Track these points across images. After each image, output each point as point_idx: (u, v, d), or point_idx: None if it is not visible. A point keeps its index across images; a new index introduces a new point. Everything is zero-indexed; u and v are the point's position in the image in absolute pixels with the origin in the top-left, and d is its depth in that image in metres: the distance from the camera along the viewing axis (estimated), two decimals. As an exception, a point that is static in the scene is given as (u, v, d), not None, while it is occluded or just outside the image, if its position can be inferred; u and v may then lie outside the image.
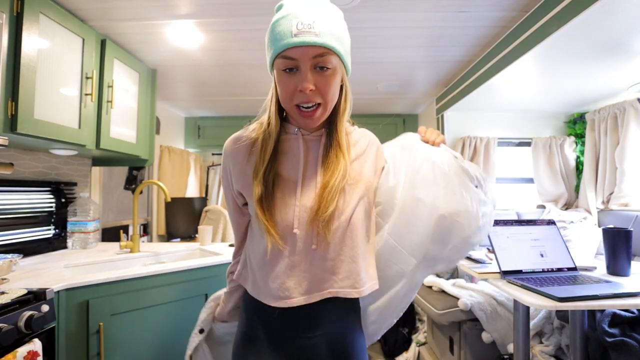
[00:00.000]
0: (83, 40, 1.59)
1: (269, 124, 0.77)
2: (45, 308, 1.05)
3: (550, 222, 1.45)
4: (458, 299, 1.88)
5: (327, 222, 0.71)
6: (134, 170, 2.86)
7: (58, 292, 1.15)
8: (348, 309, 0.79)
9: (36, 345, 0.99)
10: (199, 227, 2.02)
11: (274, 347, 0.76)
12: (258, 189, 0.72)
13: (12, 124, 1.24)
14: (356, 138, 0.83)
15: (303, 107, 0.71)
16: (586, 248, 2.15)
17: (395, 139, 0.91)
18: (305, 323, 0.75)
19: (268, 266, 0.74)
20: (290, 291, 0.72)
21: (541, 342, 1.78)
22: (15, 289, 1.05)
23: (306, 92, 0.68)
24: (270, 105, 0.77)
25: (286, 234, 0.72)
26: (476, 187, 0.81)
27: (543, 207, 2.68)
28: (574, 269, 1.33)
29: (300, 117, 0.73)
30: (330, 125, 0.78)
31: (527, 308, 1.30)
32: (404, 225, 0.78)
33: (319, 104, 0.72)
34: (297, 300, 0.72)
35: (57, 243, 1.80)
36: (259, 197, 0.72)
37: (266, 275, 0.74)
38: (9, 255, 1.33)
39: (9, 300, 0.98)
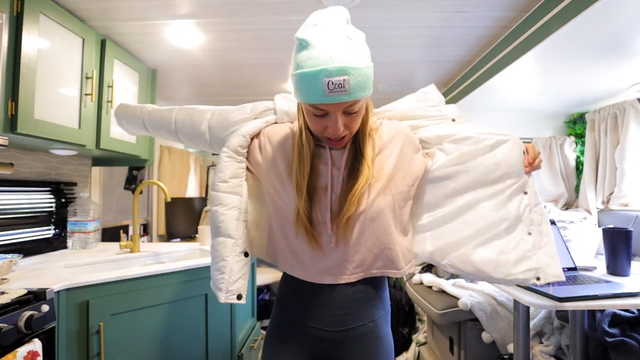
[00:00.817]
0: (83, 40, 1.59)
1: (301, 140, 0.83)
2: (45, 308, 1.05)
3: (550, 222, 1.45)
4: (458, 299, 1.88)
5: (346, 221, 0.79)
6: (134, 170, 2.86)
7: (58, 292, 1.15)
8: (371, 297, 0.87)
9: (36, 345, 0.99)
10: (199, 227, 2.02)
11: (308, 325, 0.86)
12: (302, 202, 0.80)
13: (12, 124, 1.24)
14: (381, 133, 0.87)
15: (332, 139, 0.79)
16: (586, 248, 2.15)
17: (430, 115, 0.95)
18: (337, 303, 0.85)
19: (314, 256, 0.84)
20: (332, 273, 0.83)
21: (541, 342, 1.78)
22: (15, 289, 1.05)
23: (337, 134, 0.76)
24: (301, 125, 0.83)
25: (322, 233, 0.82)
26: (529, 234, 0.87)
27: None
28: (574, 269, 1.33)
29: (330, 143, 0.81)
30: (355, 136, 0.84)
31: (527, 308, 1.30)
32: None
33: (345, 134, 0.79)
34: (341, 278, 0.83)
35: (57, 243, 1.80)
36: (304, 209, 0.80)
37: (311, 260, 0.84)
38: (9, 255, 1.33)
39: (9, 300, 0.98)
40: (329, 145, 0.82)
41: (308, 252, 0.83)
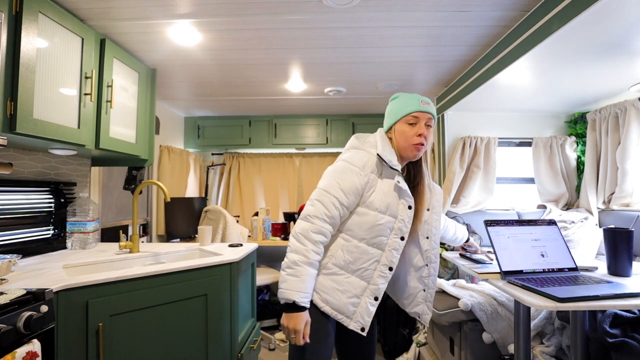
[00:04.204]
0: (82, 39, 1.59)
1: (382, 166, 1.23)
2: (44, 308, 1.04)
3: (551, 222, 1.45)
4: (458, 299, 1.87)
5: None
6: (134, 170, 2.85)
7: (57, 292, 1.15)
8: None
9: (35, 346, 0.99)
10: (199, 227, 2.02)
11: None
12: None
13: (11, 123, 1.24)
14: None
15: (417, 144, 1.21)
16: (587, 248, 2.15)
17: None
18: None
19: None
20: None
21: (542, 343, 1.78)
22: (14, 290, 1.05)
23: (422, 136, 1.20)
24: (396, 151, 1.25)
25: None
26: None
27: (544, 207, 2.67)
28: (575, 269, 1.32)
29: (415, 150, 1.21)
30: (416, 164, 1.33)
31: (528, 308, 1.30)
32: None
33: (423, 144, 1.22)
34: None
35: (56, 243, 1.79)
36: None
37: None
38: (8, 256, 1.32)
39: (8, 301, 0.98)
40: (410, 156, 1.23)
41: None
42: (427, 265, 1.27)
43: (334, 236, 1.20)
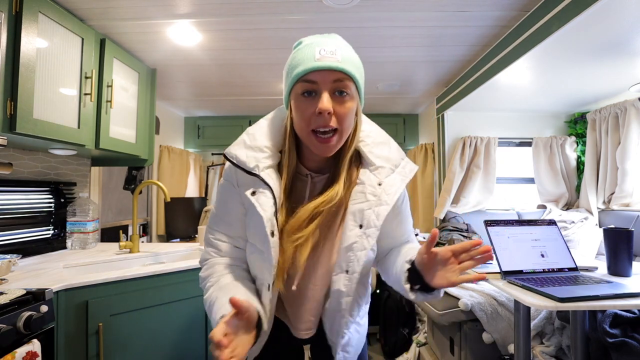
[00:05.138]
0: (82, 39, 1.59)
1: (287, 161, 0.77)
2: (44, 308, 1.04)
3: (551, 222, 1.45)
4: (458, 299, 1.87)
5: None
6: (134, 170, 2.85)
7: (57, 292, 1.15)
8: None
9: (35, 345, 0.99)
10: (199, 227, 2.02)
11: None
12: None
13: (11, 123, 1.24)
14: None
15: (320, 132, 0.70)
16: (587, 248, 2.15)
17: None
18: None
19: None
20: None
21: (542, 343, 1.78)
22: (14, 290, 1.05)
23: (324, 114, 0.68)
24: (287, 140, 0.76)
25: None
26: None
27: (544, 207, 2.67)
28: (575, 269, 1.32)
29: (318, 144, 0.71)
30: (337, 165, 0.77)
31: (528, 308, 1.29)
32: None
33: (335, 130, 0.71)
34: None
35: (56, 243, 1.79)
36: None
37: None
38: (8, 256, 1.32)
39: (8, 301, 0.98)
40: (317, 152, 0.73)
41: None
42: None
43: None
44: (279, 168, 0.77)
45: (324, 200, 0.73)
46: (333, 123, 0.70)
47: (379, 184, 0.76)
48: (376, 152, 0.79)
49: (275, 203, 0.73)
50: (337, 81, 0.69)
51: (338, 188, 0.74)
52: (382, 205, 0.74)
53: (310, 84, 0.69)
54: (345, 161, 0.76)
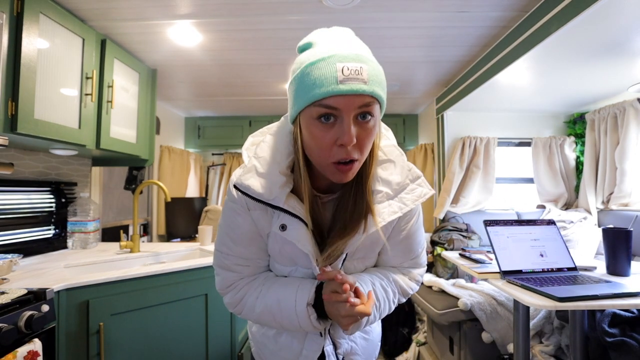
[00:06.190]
0: (83, 40, 1.59)
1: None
2: (45, 308, 1.05)
3: (550, 222, 1.45)
4: (458, 299, 1.88)
5: None
6: (134, 170, 2.86)
7: (58, 292, 1.15)
8: None
9: (36, 345, 0.99)
10: (199, 227, 2.02)
11: None
12: None
13: (12, 124, 1.24)
14: None
15: (341, 163, 0.61)
16: (586, 248, 2.16)
17: None
18: None
19: None
20: None
21: (541, 342, 1.78)
22: (15, 289, 1.05)
23: (349, 145, 0.58)
24: (300, 166, 0.67)
25: None
26: None
27: (543, 207, 2.68)
28: (574, 269, 1.33)
29: (337, 173, 0.62)
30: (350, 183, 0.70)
31: (527, 308, 1.30)
32: None
33: (352, 161, 0.61)
34: None
35: (57, 243, 1.80)
36: None
37: None
38: (9, 255, 1.33)
39: (9, 300, 0.98)
40: (333, 180, 0.65)
41: None
42: None
43: None
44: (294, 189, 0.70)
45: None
46: (355, 153, 0.60)
47: None
48: (375, 173, 0.70)
49: (312, 233, 0.68)
50: (364, 106, 0.58)
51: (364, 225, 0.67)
52: (357, 234, 0.68)
53: (331, 109, 0.57)
54: (367, 190, 0.68)
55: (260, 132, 0.76)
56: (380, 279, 0.75)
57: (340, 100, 0.56)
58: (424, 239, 0.81)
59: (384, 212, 0.68)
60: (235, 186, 0.68)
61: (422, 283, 2.32)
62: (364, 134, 0.60)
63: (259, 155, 0.68)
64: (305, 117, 0.61)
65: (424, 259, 0.83)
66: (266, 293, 0.73)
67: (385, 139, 0.74)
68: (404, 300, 0.80)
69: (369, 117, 0.59)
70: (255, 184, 0.66)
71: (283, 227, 0.67)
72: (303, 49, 0.64)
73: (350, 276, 0.69)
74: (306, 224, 0.67)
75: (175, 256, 1.87)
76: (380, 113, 0.63)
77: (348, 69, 0.55)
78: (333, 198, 0.73)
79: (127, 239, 1.80)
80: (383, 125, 0.75)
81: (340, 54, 0.57)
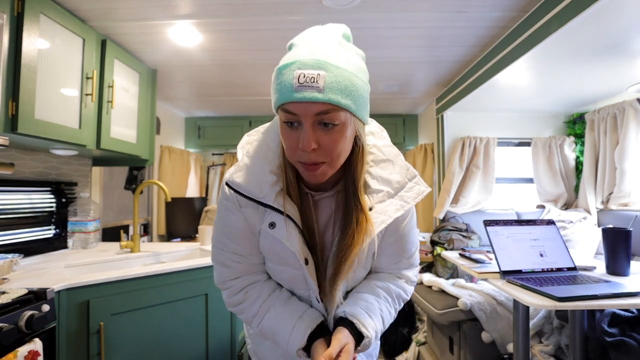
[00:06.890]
0: (83, 40, 1.59)
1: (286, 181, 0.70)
2: (45, 308, 1.05)
3: (550, 222, 1.46)
4: (458, 298, 1.88)
5: None
6: (134, 170, 2.86)
7: (59, 292, 1.16)
8: None
9: (37, 344, 1.00)
10: (199, 227, 2.02)
11: None
12: None
13: (12, 124, 1.24)
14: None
15: (303, 162, 0.63)
16: (586, 248, 2.16)
17: None
18: None
19: None
20: None
21: (541, 342, 1.78)
22: (15, 289, 1.06)
23: (307, 150, 0.60)
24: (283, 162, 0.70)
25: None
26: None
27: (543, 207, 2.68)
28: (574, 268, 1.33)
29: (306, 172, 0.65)
30: (346, 184, 0.71)
31: (527, 308, 1.30)
32: None
33: (314, 164, 0.63)
34: None
35: (57, 243, 1.80)
36: None
37: None
38: (10, 255, 1.33)
39: (10, 300, 0.98)
40: (305, 179, 0.68)
41: None
42: None
43: None
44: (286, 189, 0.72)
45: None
46: (320, 157, 0.62)
47: (370, 209, 0.69)
48: (374, 172, 0.71)
49: (300, 231, 0.69)
50: (321, 113, 0.58)
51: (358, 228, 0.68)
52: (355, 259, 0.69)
53: (291, 115, 0.60)
54: (359, 194, 0.68)
55: (255, 131, 0.79)
56: (386, 299, 0.77)
57: (297, 106, 0.59)
58: (417, 238, 0.83)
59: (389, 209, 0.69)
60: (227, 183, 0.70)
61: (421, 283, 2.31)
62: (328, 139, 0.61)
63: (252, 154, 0.71)
64: (279, 119, 0.65)
65: (417, 259, 0.85)
66: (264, 315, 0.75)
67: (382, 138, 0.76)
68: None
69: (331, 125, 0.60)
70: (246, 182, 0.68)
71: (272, 225, 0.69)
72: (288, 49, 0.66)
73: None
74: (295, 222, 0.68)
75: (176, 256, 1.88)
76: (353, 119, 0.62)
77: (304, 77, 0.57)
78: (325, 196, 0.74)
79: (128, 239, 1.81)
80: (378, 125, 0.77)
81: (302, 60, 0.58)
